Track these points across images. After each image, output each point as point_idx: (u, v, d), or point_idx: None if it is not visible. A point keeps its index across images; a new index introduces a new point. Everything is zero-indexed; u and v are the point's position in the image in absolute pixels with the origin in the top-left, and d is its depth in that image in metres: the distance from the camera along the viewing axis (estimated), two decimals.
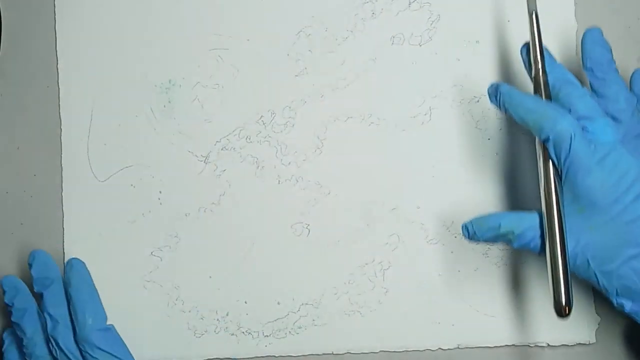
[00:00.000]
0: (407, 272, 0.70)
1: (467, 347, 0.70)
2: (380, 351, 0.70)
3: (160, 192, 0.71)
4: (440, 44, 0.70)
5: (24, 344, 0.67)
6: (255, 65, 0.71)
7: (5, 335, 0.69)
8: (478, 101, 0.70)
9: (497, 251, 0.70)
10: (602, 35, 0.65)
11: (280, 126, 0.71)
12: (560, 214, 0.61)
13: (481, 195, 0.70)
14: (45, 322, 0.66)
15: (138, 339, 0.69)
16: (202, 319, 0.70)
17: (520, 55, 0.66)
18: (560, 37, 0.70)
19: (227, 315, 0.70)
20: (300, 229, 0.70)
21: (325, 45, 0.71)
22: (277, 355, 0.70)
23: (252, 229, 0.70)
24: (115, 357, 0.66)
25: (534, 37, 0.64)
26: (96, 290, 0.68)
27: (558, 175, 0.61)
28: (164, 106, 0.71)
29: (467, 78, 0.70)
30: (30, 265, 0.68)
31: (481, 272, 0.70)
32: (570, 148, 0.59)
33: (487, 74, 0.70)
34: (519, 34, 0.70)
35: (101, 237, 0.70)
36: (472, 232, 0.64)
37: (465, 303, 0.70)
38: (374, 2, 0.70)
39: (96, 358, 0.65)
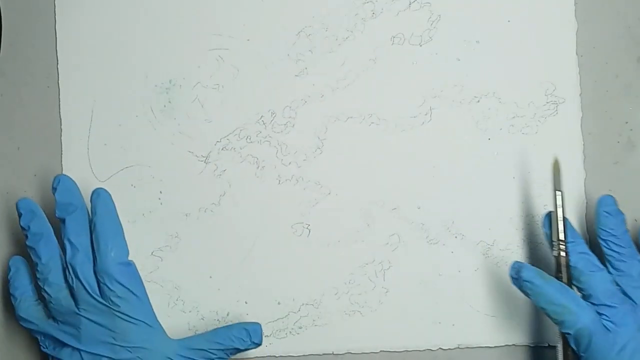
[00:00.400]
0: (408, 272, 0.70)
1: (467, 347, 0.70)
2: (381, 351, 0.70)
3: (160, 192, 0.71)
4: (440, 44, 0.70)
5: (38, 269, 0.66)
6: (256, 66, 0.71)
7: (11, 262, 0.68)
8: (478, 101, 0.70)
9: (497, 251, 0.70)
10: (616, 203, 0.66)
11: (280, 126, 0.71)
12: None
13: (481, 195, 0.70)
14: (64, 249, 0.66)
15: None
16: (202, 319, 0.70)
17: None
18: (560, 36, 0.70)
19: (227, 315, 0.70)
20: (301, 229, 0.70)
21: (325, 45, 0.71)
22: (277, 355, 0.71)
23: (252, 229, 0.70)
24: (133, 293, 0.65)
25: (558, 218, 0.65)
26: (121, 224, 0.67)
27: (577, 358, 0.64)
28: (164, 106, 0.71)
29: (468, 78, 0.70)
30: (54, 189, 0.67)
31: (481, 272, 0.70)
32: (589, 342, 0.62)
33: (488, 74, 0.70)
34: (519, 34, 0.70)
35: None
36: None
37: (465, 303, 0.70)
38: (374, 2, 0.70)
39: (114, 291, 0.64)
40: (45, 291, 0.66)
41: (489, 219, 0.70)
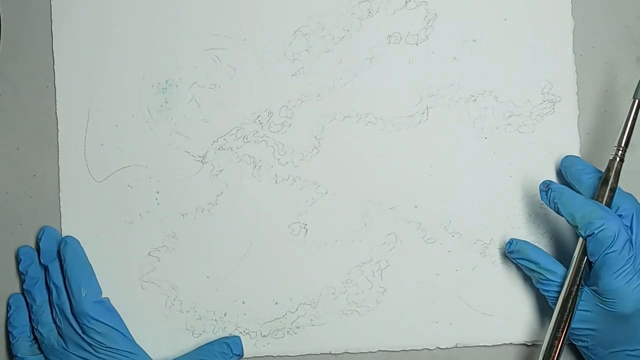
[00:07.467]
0: (405, 272, 0.70)
1: (465, 346, 0.70)
2: (378, 351, 0.70)
3: (157, 192, 0.71)
4: (437, 43, 0.70)
5: (33, 310, 0.70)
6: (252, 65, 0.71)
7: (11, 301, 0.71)
8: (475, 100, 0.70)
9: (494, 250, 0.70)
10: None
11: (277, 126, 0.71)
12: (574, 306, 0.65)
13: (478, 194, 0.70)
14: (51, 293, 0.69)
15: (136, 339, 0.69)
16: (200, 319, 0.70)
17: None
18: (557, 35, 0.70)
19: (225, 315, 0.70)
20: (298, 228, 0.70)
21: (322, 45, 0.71)
22: (275, 355, 0.70)
23: (249, 229, 0.70)
24: (112, 327, 0.68)
25: (628, 123, 0.65)
26: (90, 266, 0.70)
27: (588, 267, 0.65)
28: (161, 106, 0.71)
29: (464, 77, 0.70)
30: (39, 239, 0.70)
31: (479, 271, 0.70)
32: (611, 245, 0.62)
33: (484, 73, 0.70)
34: (516, 32, 0.70)
35: (98, 237, 0.71)
36: (514, 250, 0.68)
37: (463, 302, 0.70)
38: (370, 1, 0.70)
39: (93, 329, 0.67)
40: (39, 331, 0.69)
41: (485, 218, 0.70)
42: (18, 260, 0.71)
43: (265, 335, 0.70)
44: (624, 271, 0.62)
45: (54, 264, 0.69)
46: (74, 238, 0.70)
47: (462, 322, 0.70)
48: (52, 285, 0.69)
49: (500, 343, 0.70)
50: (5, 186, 0.72)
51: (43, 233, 0.70)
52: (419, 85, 0.70)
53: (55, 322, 0.69)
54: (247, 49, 0.71)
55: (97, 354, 0.67)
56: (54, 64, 0.71)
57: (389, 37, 0.71)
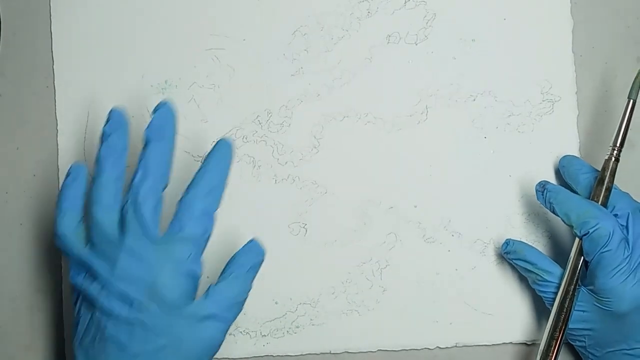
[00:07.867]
0: (405, 271, 0.70)
1: (465, 346, 0.70)
2: (378, 350, 0.70)
3: None
4: (436, 43, 0.71)
5: (94, 186, 0.60)
6: (252, 65, 0.71)
7: (72, 168, 0.62)
8: (474, 100, 0.70)
9: (494, 249, 0.70)
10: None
11: (276, 126, 0.71)
12: (570, 310, 0.65)
13: (478, 193, 0.70)
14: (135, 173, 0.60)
15: None
16: None
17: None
18: (556, 34, 0.70)
19: None
20: (298, 228, 0.70)
21: (321, 45, 0.71)
22: (275, 355, 0.70)
23: (249, 229, 0.70)
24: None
25: (622, 123, 0.65)
26: (225, 184, 0.61)
27: (585, 267, 0.65)
28: None
29: (464, 76, 0.70)
30: (155, 109, 0.61)
31: (478, 270, 0.70)
32: (607, 244, 0.62)
33: (483, 72, 0.70)
34: (515, 32, 0.70)
35: None
36: (511, 250, 0.68)
37: (462, 301, 0.70)
38: (369, 1, 0.70)
39: (181, 232, 0.60)
40: (92, 212, 0.59)
41: (485, 218, 0.70)
42: (106, 120, 0.61)
43: (265, 335, 0.70)
44: (619, 270, 0.62)
45: (156, 145, 0.60)
46: (231, 143, 0.62)
47: (462, 322, 0.70)
48: (140, 165, 0.60)
49: (500, 343, 0.70)
50: (5, 186, 0.72)
51: (164, 104, 0.61)
52: (418, 85, 0.70)
53: (122, 208, 0.59)
54: (246, 49, 0.71)
55: (154, 254, 0.59)
56: (53, 64, 0.71)
57: (388, 36, 0.71)
